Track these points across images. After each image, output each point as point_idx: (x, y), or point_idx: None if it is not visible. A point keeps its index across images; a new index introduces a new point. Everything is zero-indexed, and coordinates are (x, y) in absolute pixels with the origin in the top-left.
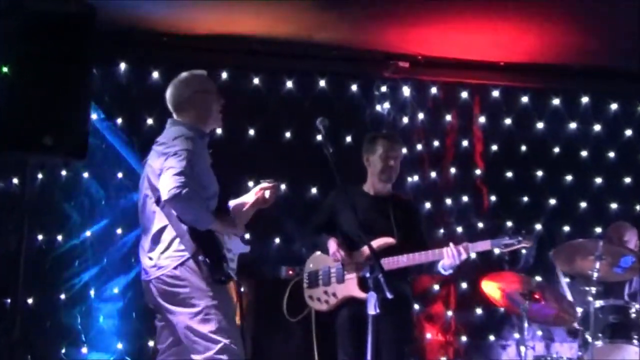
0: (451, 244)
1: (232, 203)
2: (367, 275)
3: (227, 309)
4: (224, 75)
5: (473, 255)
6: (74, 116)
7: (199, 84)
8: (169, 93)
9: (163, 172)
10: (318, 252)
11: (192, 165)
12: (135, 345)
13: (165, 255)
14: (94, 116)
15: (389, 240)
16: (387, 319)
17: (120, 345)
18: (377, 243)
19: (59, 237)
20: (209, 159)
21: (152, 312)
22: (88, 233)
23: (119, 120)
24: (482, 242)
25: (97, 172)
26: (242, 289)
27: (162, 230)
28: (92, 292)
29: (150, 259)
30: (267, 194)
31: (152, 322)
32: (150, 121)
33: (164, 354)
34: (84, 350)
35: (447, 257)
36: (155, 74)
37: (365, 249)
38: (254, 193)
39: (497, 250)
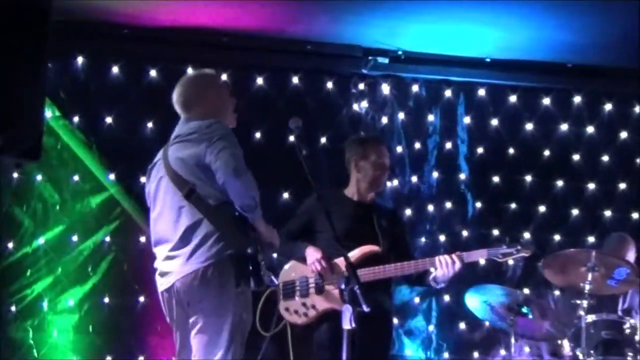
0: (446, 255)
1: None
2: (343, 286)
3: (247, 321)
4: (189, 70)
5: None
6: (26, 114)
7: (210, 82)
8: (177, 92)
9: (214, 153)
10: (293, 261)
11: None
12: None
13: (198, 252)
14: (48, 114)
15: (374, 248)
16: (365, 334)
17: None
18: (361, 251)
19: (10, 245)
20: None
21: (111, 326)
22: (41, 240)
23: (76, 119)
24: (477, 251)
25: (52, 174)
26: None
27: (195, 225)
28: (45, 304)
29: (172, 258)
30: None
31: (110, 336)
32: (109, 120)
33: None
34: None
35: (440, 267)
36: (115, 69)
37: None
38: None
39: (482, 261)
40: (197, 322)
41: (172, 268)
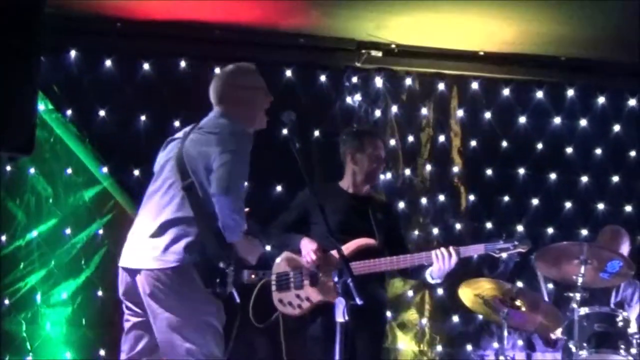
0: (442, 248)
1: None
2: (336, 279)
3: (218, 325)
4: (182, 64)
5: None
6: (19, 107)
7: (246, 79)
8: (213, 85)
9: (219, 163)
10: (287, 253)
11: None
12: (84, 354)
13: (169, 250)
14: (41, 107)
15: (370, 241)
16: (358, 327)
17: (68, 355)
18: (357, 243)
19: (3, 238)
20: None
21: (104, 319)
22: (34, 233)
23: (69, 112)
24: (474, 246)
25: (45, 167)
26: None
27: (177, 221)
28: (38, 297)
29: (145, 242)
30: None
31: (103, 329)
32: (102, 113)
33: None
34: (29, 359)
35: (436, 261)
36: (108, 63)
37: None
38: None
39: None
40: (167, 323)
41: (139, 251)
